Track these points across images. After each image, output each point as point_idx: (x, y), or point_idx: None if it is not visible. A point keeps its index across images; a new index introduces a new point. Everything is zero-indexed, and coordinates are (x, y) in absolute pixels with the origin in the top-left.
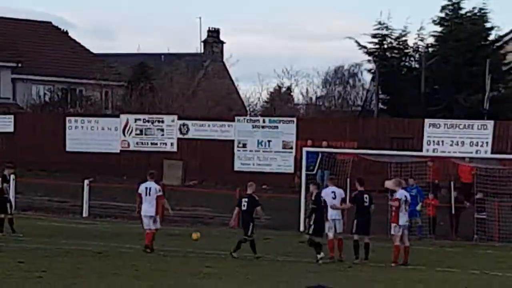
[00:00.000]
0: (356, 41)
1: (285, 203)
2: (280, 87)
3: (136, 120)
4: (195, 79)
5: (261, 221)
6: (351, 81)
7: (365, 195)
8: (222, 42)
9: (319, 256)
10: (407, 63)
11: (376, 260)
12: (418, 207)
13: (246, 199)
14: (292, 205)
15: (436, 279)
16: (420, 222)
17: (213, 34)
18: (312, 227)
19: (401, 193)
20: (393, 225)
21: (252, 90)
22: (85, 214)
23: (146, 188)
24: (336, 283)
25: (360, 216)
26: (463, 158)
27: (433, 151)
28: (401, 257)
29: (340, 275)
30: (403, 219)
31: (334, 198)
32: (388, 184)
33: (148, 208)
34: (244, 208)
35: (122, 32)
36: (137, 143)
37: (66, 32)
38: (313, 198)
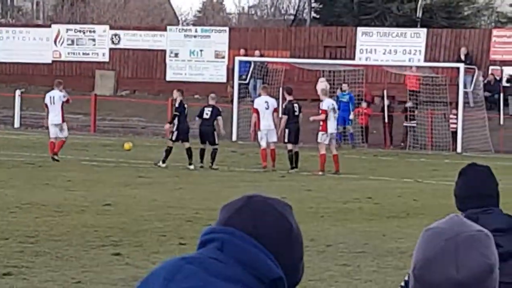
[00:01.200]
0: None
1: None
2: None
3: (67, 30)
4: None
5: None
6: None
7: (295, 104)
8: None
9: (190, 167)
10: None
11: (309, 170)
12: (351, 116)
13: (210, 109)
14: (224, 114)
15: (369, 187)
16: (351, 130)
17: None
18: (175, 133)
19: (327, 102)
20: (320, 133)
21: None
22: (16, 124)
23: (50, 97)
24: (269, 193)
25: (292, 125)
26: (409, 67)
27: (366, 59)
28: (332, 166)
29: (273, 185)
30: (332, 127)
31: (267, 108)
32: (319, 86)
33: (53, 116)
34: (207, 116)
35: None
36: (68, 53)
37: None
38: (176, 105)
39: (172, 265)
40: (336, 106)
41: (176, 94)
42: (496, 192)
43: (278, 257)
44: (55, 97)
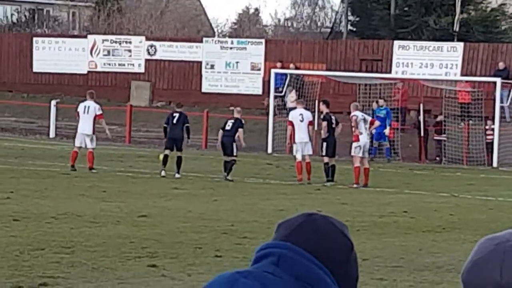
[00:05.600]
0: None
1: (253, 125)
2: (248, 8)
3: (103, 41)
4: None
5: (240, 143)
6: (320, 2)
7: (333, 117)
8: None
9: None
10: None
11: (345, 183)
12: (386, 131)
13: (233, 121)
14: (260, 126)
15: (405, 201)
16: (388, 144)
17: None
18: None
19: (358, 113)
20: (354, 145)
21: (220, 11)
22: (52, 135)
23: (85, 106)
24: (304, 206)
25: (329, 138)
26: (459, 81)
27: (402, 73)
28: (362, 179)
29: (308, 197)
30: (364, 138)
31: (302, 120)
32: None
33: (84, 126)
34: (228, 128)
35: None
36: (104, 64)
37: None
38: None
39: (227, 279)
40: (367, 118)
41: None
42: None
43: (337, 275)
44: (90, 107)
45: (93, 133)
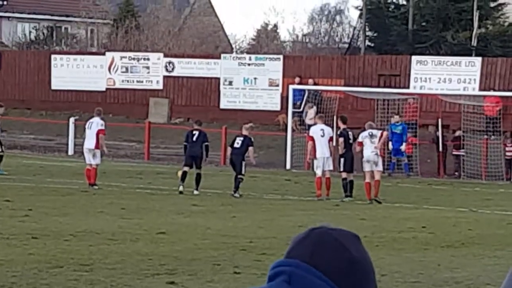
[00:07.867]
0: None
1: (271, 141)
2: (266, 25)
3: (121, 58)
4: (181, 16)
5: (250, 161)
6: (337, 18)
7: (350, 132)
8: None
9: None
10: (394, 0)
11: (363, 198)
12: (403, 148)
13: (242, 138)
14: (278, 142)
15: (424, 216)
16: (406, 160)
17: None
18: None
19: (364, 132)
20: (363, 160)
21: (238, 27)
22: (70, 152)
23: (89, 122)
24: (322, 222)
25: (347, 154)
26: (487, 94)
27: (420, 88)
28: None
29: (327, 213)
30: (367, 152)
31: (323, 136)
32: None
33: (87, 141)
34: (237, 146)
35: None
36: (122, 81)
37: None
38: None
39: None
40: (374, 133)
41: None
42: None
43: None
44: (93, 123)
45: (96, 148)
